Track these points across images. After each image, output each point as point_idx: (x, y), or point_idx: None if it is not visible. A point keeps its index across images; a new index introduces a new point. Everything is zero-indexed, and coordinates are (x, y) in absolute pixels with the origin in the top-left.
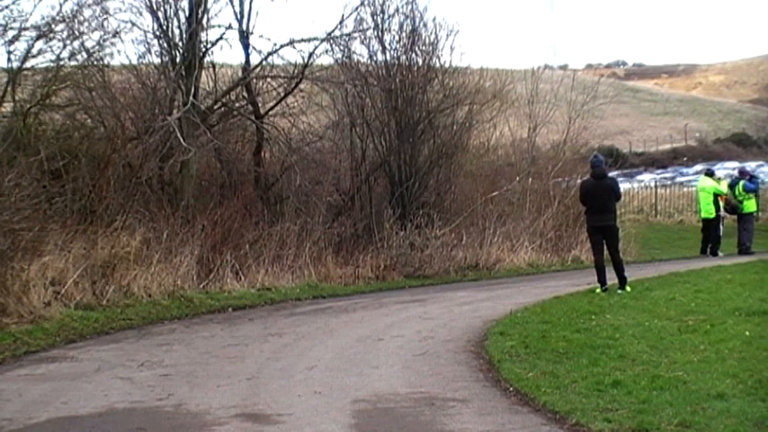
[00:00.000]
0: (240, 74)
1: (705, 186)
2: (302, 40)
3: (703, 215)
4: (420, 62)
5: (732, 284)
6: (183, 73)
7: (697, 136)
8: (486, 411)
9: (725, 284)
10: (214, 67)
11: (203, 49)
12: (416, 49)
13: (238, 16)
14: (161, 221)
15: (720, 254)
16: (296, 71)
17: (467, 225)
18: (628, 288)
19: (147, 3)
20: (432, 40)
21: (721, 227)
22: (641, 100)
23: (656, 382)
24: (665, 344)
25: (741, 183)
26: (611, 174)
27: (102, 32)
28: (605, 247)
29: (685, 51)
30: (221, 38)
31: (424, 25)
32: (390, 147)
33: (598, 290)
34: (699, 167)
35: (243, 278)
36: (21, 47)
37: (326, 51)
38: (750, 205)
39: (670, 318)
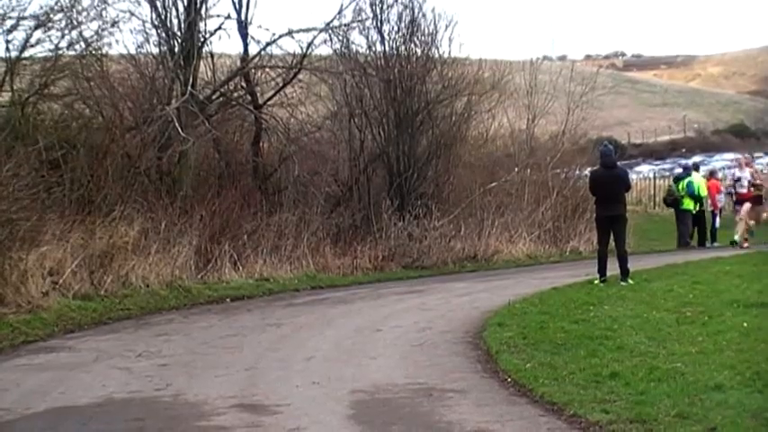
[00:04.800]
0: (239, 64)
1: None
2: (301, 31)
3: (686, 207)
4: (419, 53)
5: (730, 276)
6: (182, 63)
7: (695, 127)
8: (484, 402)
9: (723, 276)
10: (212, 57)
11: (202, 39)
12: (415, 39)
13: (237, 6)
14: (159, 211)
15: (716, 244)
16: (294, 61)
17: (465, 216)
18: (630, 280)
19: None
20: (431, 30)
21: (718, 219)
22: (640, 91)
23: (654, 373)
24: (662, 335)
25: (687, 180)
26: None
27: (101, 22)
28: (611, 239)
29: (684, 42)
30: (220, 28)
31: (423, 16)
32: (389, 137)
33: (596, 281)
34: (697, 159)
35: (241, 268)
36: (19, 36)
37: (325, 41)
38: (688, 203)
39: (668, 309)
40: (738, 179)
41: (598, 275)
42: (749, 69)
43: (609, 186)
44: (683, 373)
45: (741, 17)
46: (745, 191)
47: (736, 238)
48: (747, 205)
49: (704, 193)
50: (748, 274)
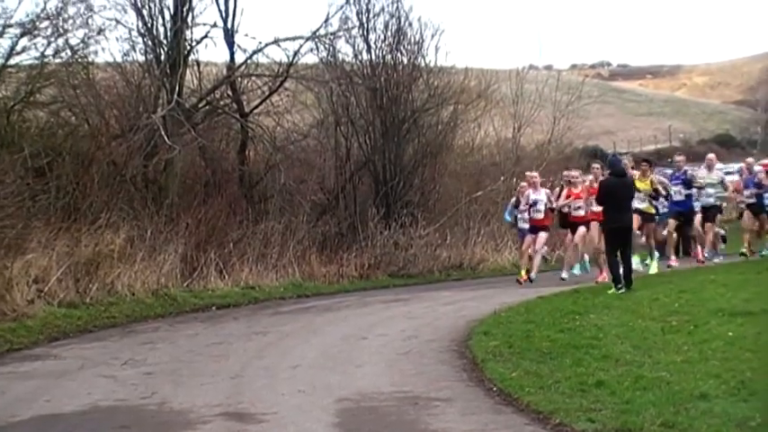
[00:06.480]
0: (225, 72)
1: None
2: (287, 39)
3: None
4: (405, 61)
5: (715, 285)
6: (168, 71)
7: (681, 137)
8: (470, 411)
9: (708, 285)
10: (199, 65)
11: (188, 48)
12: (402, 48)
13: (223, 14)
14: (145, 219)
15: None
16: (281, 70)
17: (451, 224)
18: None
19: (132, 0)
20: (417, 39)
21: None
22: (626, 100)
23: (640, 382)
24: (648, 344)
25: None
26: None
27: (87, 30)
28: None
29: (670, 52)
30: (206, 36)
31: (410, 24)
32: (375, 146)
33: (612, 290)
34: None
35: (227, 277)
36: (5, 44)
37: (311, 50)
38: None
39: (653, 318)
40: (535, 202)
41: (614, 285)
42: (735, 79)
43: (620, 194)
44: (669, 382)
45: (727, 27)
46: (541, 216)
47: (574, 271)
48: (543, 235)
49: None
50: (734, 283)
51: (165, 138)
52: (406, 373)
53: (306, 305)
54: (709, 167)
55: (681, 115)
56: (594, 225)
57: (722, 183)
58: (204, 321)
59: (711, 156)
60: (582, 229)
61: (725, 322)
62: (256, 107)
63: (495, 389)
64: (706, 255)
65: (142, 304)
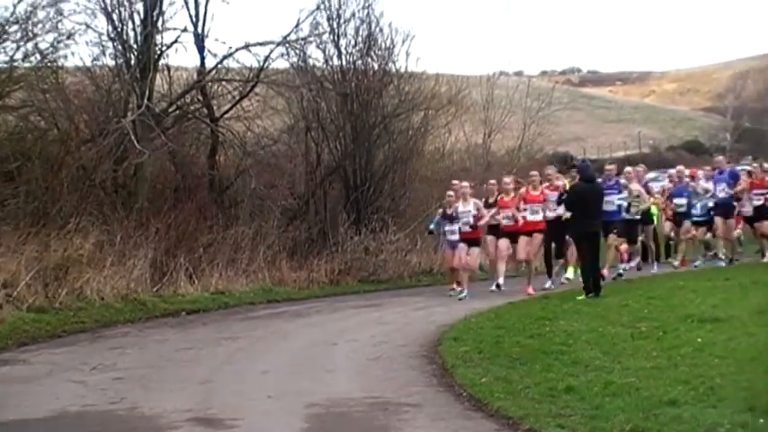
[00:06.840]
0: (195, 77)
1: None
2: (258, 44)
3: None
4: (376, 67)
5: (684, 291)
6: (138, 75)
7: (650, 143)
8: (440, 417)
9: (677, 291)
10: (169, 69)
11: (158, 52)
12: (372, 53)
13: (193, 19)
14: (115, 224)
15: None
16: (251, 75)
17: (421, 230)
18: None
19: (102, 5)
20: (388, 45)
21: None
22: (595, 107)
23: (609, 388)
24: (617, 350)
25: None
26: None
27: (57, 34)
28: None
29: (639, 59)
30: (176, 41)
31: (380, 30)
32: (346, 151)
33: (581, 296)
34: (652, 174)
35: (197, 282)
36: None
37: (282, 55)
38: None
39: (623, 324)
40: (464, 215)
41: (585, 292)
42: (704, 86)
43: (592, 200)
44: (638, 387)
45: (696, 34)
46: (469, 228)
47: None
48: (476, 251)
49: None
50: (702, 290)
51: (135, 142)
52: (377, 378)
53: (276, 311)
54: (628, 180)
55: (650, 122)
56: (536, 236)
57: (640, 195)
58: (174, 326)
59: (628, 169)
60: (523, 242)
61: (694, 328)
62: (227, 112)
63: (464, 394)
64: (620, 266)
65: (111, 309)
